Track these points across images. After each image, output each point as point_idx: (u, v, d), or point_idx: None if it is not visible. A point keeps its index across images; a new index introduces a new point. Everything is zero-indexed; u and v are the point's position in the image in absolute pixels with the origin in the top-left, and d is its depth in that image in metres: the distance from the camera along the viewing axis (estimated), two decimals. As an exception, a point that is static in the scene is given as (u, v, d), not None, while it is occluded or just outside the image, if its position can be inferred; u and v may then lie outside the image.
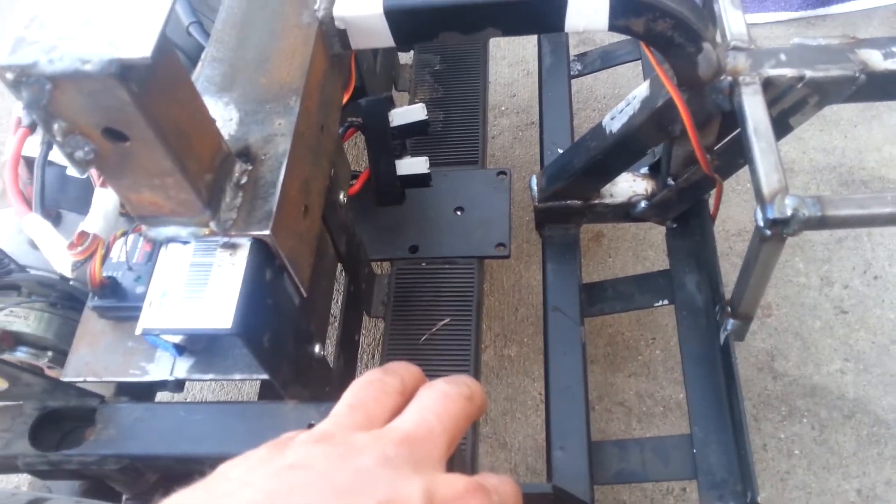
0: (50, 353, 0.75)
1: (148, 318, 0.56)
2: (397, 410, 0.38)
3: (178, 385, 0.70)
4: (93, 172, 0.64)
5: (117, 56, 0.43)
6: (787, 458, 1.19)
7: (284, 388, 0.65)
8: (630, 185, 1.00)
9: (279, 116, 0.64)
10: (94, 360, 0.67)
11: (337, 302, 1.13)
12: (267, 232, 0.57)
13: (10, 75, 0.43)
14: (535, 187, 1.01)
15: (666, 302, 0.98)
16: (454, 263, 0.99)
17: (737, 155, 0.85)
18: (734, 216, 1.44)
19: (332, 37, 0.72)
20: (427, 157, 0.94)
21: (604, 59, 1.28)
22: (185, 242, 0.58)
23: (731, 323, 0.86)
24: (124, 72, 0.43)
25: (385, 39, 0.72)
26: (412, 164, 0.94)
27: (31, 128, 0.65)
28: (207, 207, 0.56)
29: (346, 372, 0.90)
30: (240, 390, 1.36)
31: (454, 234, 1.01)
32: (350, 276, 0.92)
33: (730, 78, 0.76)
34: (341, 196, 0.82)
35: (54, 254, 0.62)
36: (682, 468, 0.85)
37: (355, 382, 0.40)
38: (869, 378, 1.24)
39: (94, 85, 0.43)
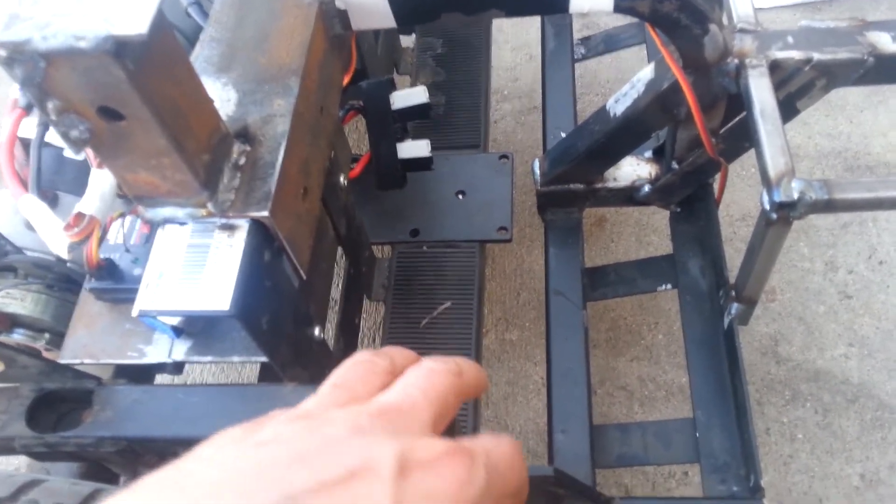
0: (47, 335, 0.74)
1: (144, 300, 0.55)
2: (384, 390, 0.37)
3: (177, 367, 0.69)
4: (89, 153, 0.64)
5: (112, 33, 0.42)
6: (790, 443, 1.18)
7: (283, 370, 0.64)
8: (634, 169, 0.99)
9: (278, 97, 0.63)
10: (91, 343, 0.67)
11: (337, 285, 1.12)
12: (265, 213, 0.56)
13: (3, 52, 0.42)
14: (537, 171, 1.01)
15: (669, 286, 0.97)
16: (455, 247, 0.98)
17: (742, 138, 0.84)
18: (738, 201, 1.43)
19: (332, 17, 0.72)
20: (429, 141, 0.93)
21: (607, 43, 1.27)
22: (183, 223, 0.58)
23: (735, 307, 0.85)
24: (119, 49, 0.42)
25: (386, 20, 0.71)
26: (414, 148, 0.93)
27: (28, 109, 0.65)
28: (205, 188, 0.55)
29: (346, 355, 0.89)
30: (239, 373, 1.36)
31: (456, 218, 1.00)
32: (351, 260, 0.91)
33: (736, 60, 0.75)
34: (342, 179, 0.81)
35: (51, 235, 0.62)
36: (685, 452, 0.84)
37: (344, 363, 0.39)
38: (873, 363, 1.23)
39: (88, 62, 0.43)
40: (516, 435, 1.25)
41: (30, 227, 0.68)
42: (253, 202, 0.57)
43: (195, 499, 0.28)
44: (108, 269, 0.65)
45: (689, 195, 0.99)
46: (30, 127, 0.67)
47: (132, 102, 0.46)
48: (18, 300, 0.72)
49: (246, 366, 1.33)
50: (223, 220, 0.57)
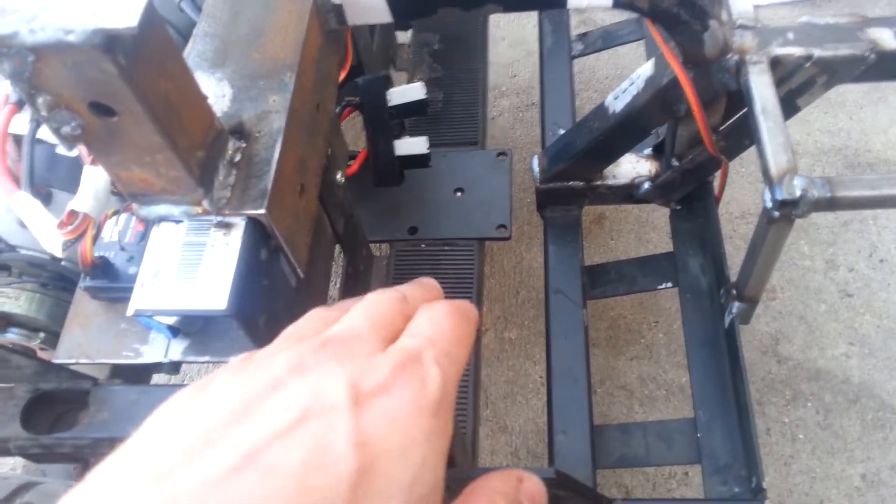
0: (42, 335, 0.74)
1: (139, 300, 0.55)
2: None
3: (174, 367, 0.69)
4: (82, 149, 0.63)
5: (102, 26, 0.41)
6: (791, 443, 1.18)
7: (281, 370, 0.63)
8: (633, 167, 0.98)
9: (273, 93, 0.62)
10: (86, 342, 0.66)
11: (335, 284, 1.12)
12: (262, 211, 0.56)
13: (-9, 46, 0.42)
14: (536, 168, 1.00)
15: (669, 285, 0.97)
16: (454, 245, 0.98)
17: (742, 135, 0.84)
18: (738, 198, 1.43)
19: (327, 12, 0.71)
20: (427, 137, 0.92)
21: (605, 40, 1.26)
22: (178, 221, 0.57)
23: (736, 306, 0.85)
24: (110, 43, 0.41)
25: (382, 15, 0.71)
26: (411, 145, 0.92)
27: (19, 104, 0.64)
28: (200, 185, 0.54)
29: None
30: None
31: (454, 216, 0.99)
32: (348, 258, 0.91)
33: (736, 56, 0.74)
34: (339, 176, 0.80)
35: (44, 233, 0.61)
36: (686, 452, 0.84)
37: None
38: (874, 362, 1.23)
39: (78, 56, 0.42)
40: (515, 435, 1.24)
41: (23, 225, 0.67)
42: (249, 199, 0.56)
43: (145, 484, 0.27)
44: (102, 268, 0.64)
45: (689, 192, 0.98)
46: (22, 123, 0.66)
47: (124, 98, 0.45)
48: (13, 299, 0.72)
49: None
50: (219, 218, 0.56)
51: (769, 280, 0.83)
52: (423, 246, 0.98)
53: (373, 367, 0.31)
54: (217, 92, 0.62)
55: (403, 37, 1.26)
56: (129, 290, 0.56)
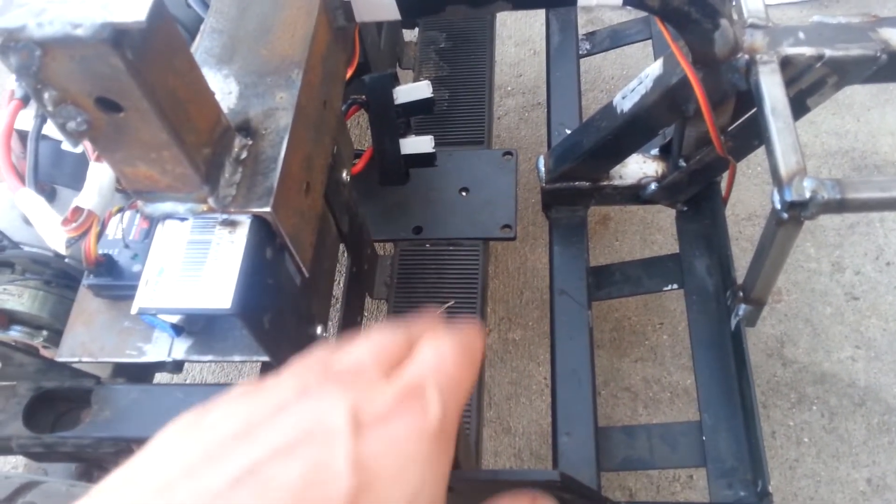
0: (45, 333, 0.73)
1: (144, 298, 0.54)
2: None
3: (177, 366, 0.68)
4: (87, 146, 0.62)
5: (110, 20, 0.40)
6: (796, 446, 1.17)
7: (285, 370, 0.63)
8: (640, 167, 0.98)
9: (280, 90, 0.62)
10: (89, 340, 0.66)
11: (339, 283, 1.11)
12: (268, 209, 0.55)
13: (-3, 40, 0.41)
14: (542, 168, 0.99)
15: (675, 286, 0.96)
16: (459, 245, 0.97)
17: (751, 136, 0.83)
18: (744, 200, 1.42)
19: (335, 8, 0.70)
20: (432, 136, 0.92)
21: (613, 39, 1.25)
22: (183, 219, 0.56)
23: (742, 308, 0.84)
24: (118, 37, 0.41)
25: (390, 12, 0.70)
26: (417, 143, 0.92)
27: (25, 100, 0.63)
28: (206, 183, 0.54)
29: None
30: (240, 372, 1.35)
31: (459, 215, 0.99)
32: (353, 257, 0.90)
33: (746, 56, 0.74)
34: (344, 174, 0.80)
35: (48, 230, 0.60)
36: (691, 455, 0.83)
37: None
38: (880, 366, 1.22)
39: (85, 51, 0.41)
40: (519, 437, 1.24)
41: (27, 221, 0.67)
42: (255, 197, 0.55)
43: (147, 496, 0.28)
44: (106, 266, 0.64)
45: (695, 194, 0.98)
46: (27, 119, 0.66)
47: (131, 93, 0.44)
48: (16, 296, 0.71)
49: (246, 365, 1.32)
50: (224, 216, 0.56)
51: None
52: (427, 245, 0.97)
53: (375, 395, 0.32)
54: (224, 88, 0.62)
55: (410, 35, 1.25)
56: (133, 287, 0.56)
